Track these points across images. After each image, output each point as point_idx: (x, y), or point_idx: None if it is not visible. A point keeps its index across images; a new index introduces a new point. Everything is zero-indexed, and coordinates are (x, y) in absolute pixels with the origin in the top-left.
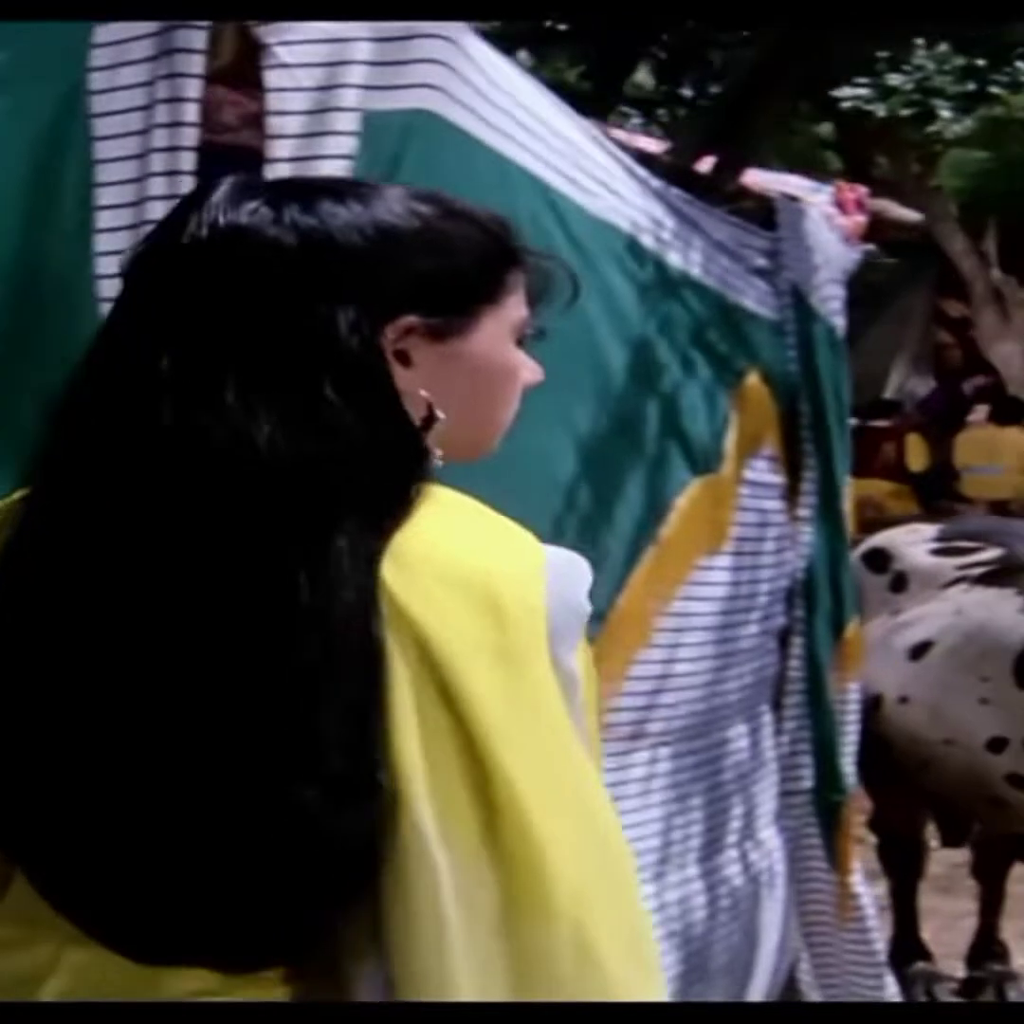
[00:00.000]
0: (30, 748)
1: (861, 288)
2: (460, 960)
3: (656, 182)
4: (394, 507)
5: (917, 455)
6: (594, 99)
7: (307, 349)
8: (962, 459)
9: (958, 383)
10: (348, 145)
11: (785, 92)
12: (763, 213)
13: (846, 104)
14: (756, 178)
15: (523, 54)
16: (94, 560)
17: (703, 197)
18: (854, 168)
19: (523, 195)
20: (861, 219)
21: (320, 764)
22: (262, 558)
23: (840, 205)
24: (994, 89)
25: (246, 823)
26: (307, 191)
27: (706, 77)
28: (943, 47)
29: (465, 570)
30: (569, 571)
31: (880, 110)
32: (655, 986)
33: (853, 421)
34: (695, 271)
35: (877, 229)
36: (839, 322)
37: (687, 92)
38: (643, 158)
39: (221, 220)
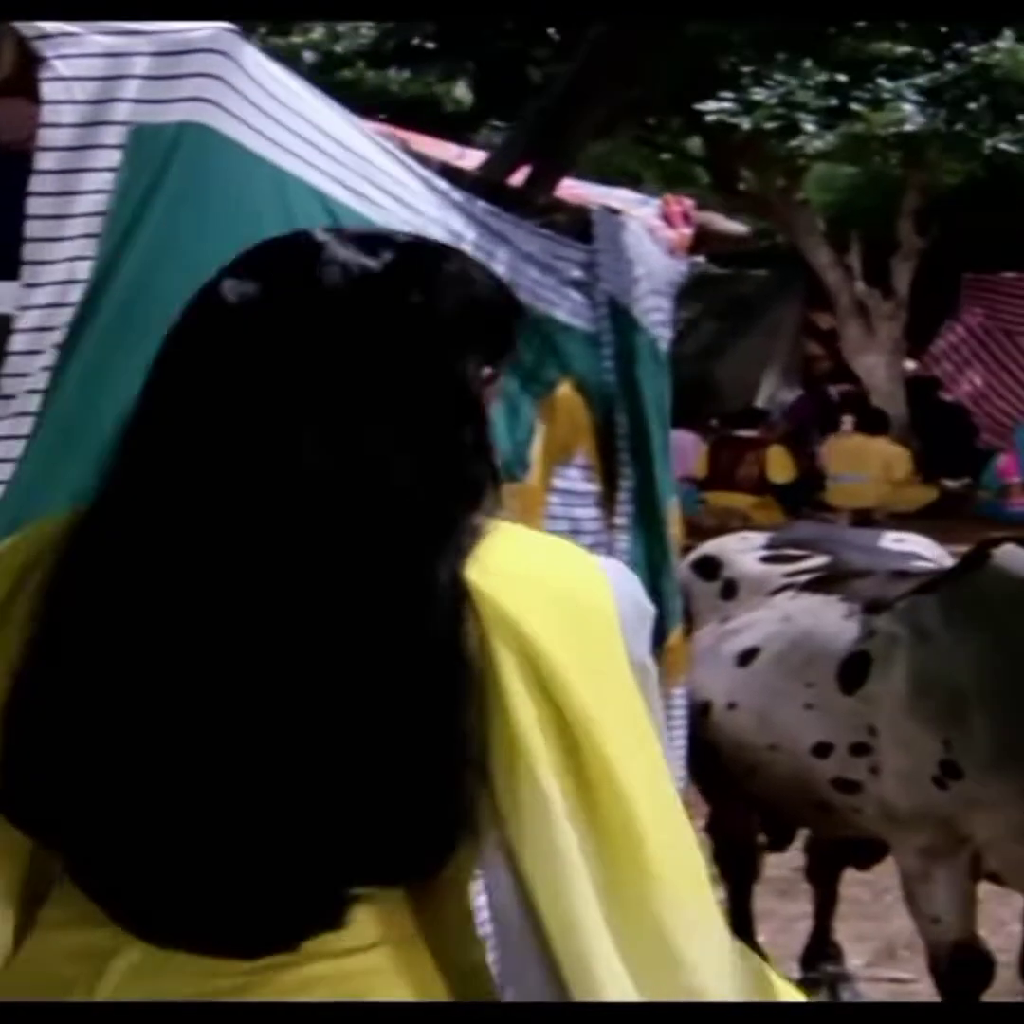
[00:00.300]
0: (92, 746)
1: (732, 300)
2: (593, 908)
3: (458, 195)
4: (476, 535)
5: (779, 467)
6: (468, 114)
7: (447, 397)
8: (831, 467)
9: (825, 390)
10: (113, 158)
11: (600, 105)
12: (580, 225)
13: (711, 117)
14: (580, 191)
15: (393, 70)
16: (199, 574)
17: (513, 209)
18: (721, 182)
19: (302, 207)
20: (687, 232)
21: (413, 758)
22: (372, 581)
23: (666, 218)
24: (856, 105)
25: (311, 817)
26: (411, 248)
27: (524, 91)
28: (806, 63)
29: (546, 580)
30: (625, 576)
31: (744, 123)
32: (727, 953)
33: (720, 430)
34: None
35: (704, 241)
36: (663, 333)
37: (504, 106)
38: (448, 171)
39: (356, 271)
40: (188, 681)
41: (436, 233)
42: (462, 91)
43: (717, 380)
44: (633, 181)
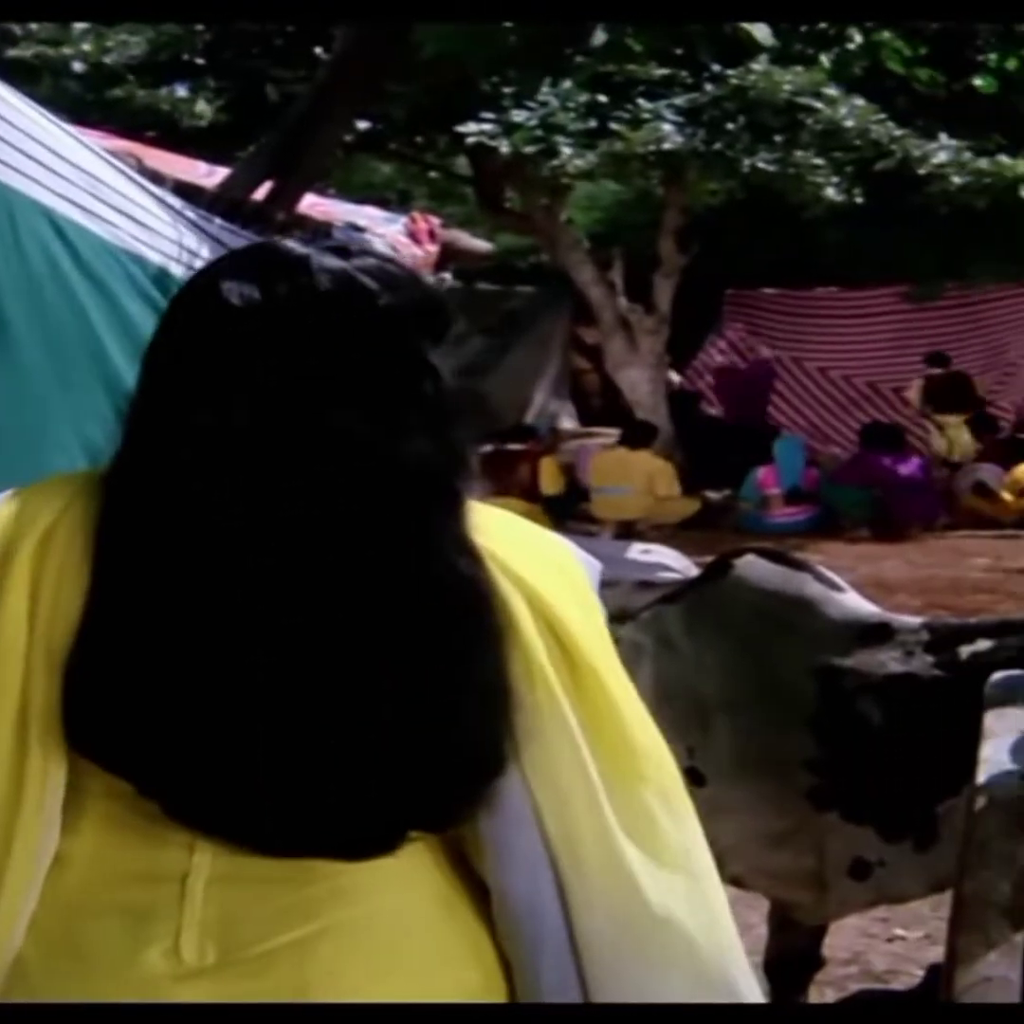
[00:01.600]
0: (162, 681)
1: (500, 317)
2: (604, 796)
3: (194, 213)
4: (465, 502)
5: (550, 479)
6: (230, 133)
7: (425, 379)
8: (595, 479)
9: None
10: None
11: (341, 124)
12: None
13: (471, 139)
14: (327, 208)
15: (164, 90)
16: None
17: (252, 225)
18: (486, 201)
19: (28, 224)
20: (433, 249)
21: (460, 679)
22: (402, 541)
23: (412, 235)
24: (615, 125)
25: (388, 726)
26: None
27: (265, 110)
28: (567, 84)
29: (531, 543)
30: (570, 542)
31: (504, 146)
32: (698, 833)
33: (492, 444)
34: None
35: (450, 258)
36: None
37: (247, 125)
38: (184, 189)
39: (342, 278)
40: (240, 623)
41: (168, 249)
42: (204, 107)
43: (487, 395)
44: (402, 199)
